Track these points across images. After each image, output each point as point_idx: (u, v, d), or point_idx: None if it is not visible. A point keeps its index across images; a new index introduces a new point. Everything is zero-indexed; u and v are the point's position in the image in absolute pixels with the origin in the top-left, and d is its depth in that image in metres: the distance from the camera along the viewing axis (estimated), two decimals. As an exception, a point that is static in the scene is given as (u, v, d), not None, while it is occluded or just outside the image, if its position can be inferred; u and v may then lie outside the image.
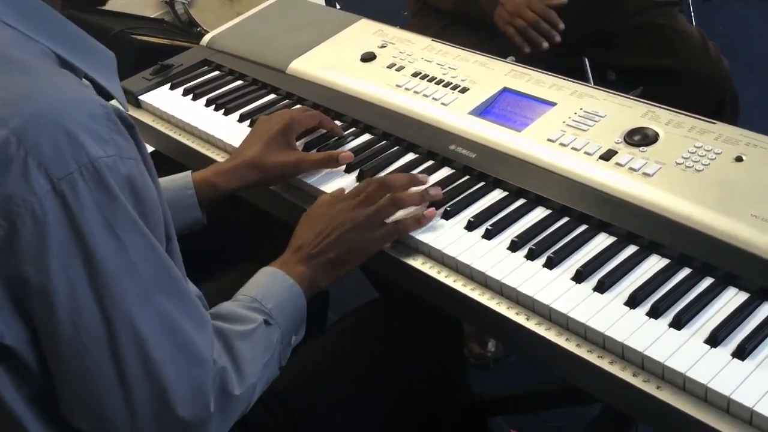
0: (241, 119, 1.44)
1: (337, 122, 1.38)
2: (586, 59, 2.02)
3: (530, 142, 1.21)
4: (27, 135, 0.77)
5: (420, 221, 1.11)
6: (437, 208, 1.14)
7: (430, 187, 1.16)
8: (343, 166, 1.27)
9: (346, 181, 1.24)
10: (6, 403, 0.83)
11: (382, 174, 1.24)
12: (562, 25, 1.72)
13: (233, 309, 1.00)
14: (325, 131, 1.35)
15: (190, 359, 0.86)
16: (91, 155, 0.79)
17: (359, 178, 1.24)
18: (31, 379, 0.83)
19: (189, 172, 1.26)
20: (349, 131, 1.36)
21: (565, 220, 1.10)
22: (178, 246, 0.94)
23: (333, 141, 1.34)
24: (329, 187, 1.23)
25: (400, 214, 1.12)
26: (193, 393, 0.86)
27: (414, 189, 1.16)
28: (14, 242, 0.77)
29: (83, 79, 0.92)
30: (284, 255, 1.10)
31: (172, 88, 1.56)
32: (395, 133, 1.31)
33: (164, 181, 1.24)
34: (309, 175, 1.27)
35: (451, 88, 1.35)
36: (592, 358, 0.92)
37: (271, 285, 1.05)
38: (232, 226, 1.44)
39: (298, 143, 1.32)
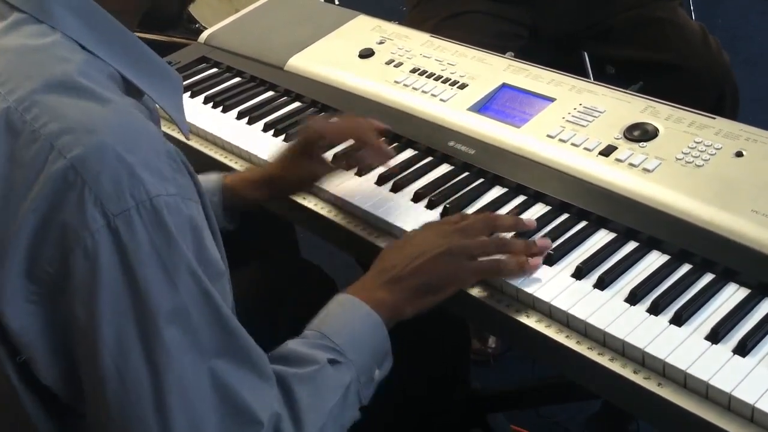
0: (239, 116, 1.44)
1: (335, 119, 1.38)
2: (585, 54, 2.02)
3: (529, 138, 1.21)
4: (86, 166, 0.73)
5: (524, 267, 1.00)
6: (437, 205, 1.14)
7: (538, 239, 1.05)
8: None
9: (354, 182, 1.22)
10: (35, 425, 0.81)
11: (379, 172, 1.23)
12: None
13: (297, 349, 0.90)
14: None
15: (242, 423, 0.79)
16: (151, 192, 0.74)
17: (358, 175, 1.24)
18: (65, 412, 0.81)
19: (221, 177, 1.22)
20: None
21: (564, 216, 1.10)
22: (229, 280, 0.87)
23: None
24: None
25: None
26: None
27: (519, 241, 1.04)
28: (66, 278, 0.74)
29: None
30: (365, 277, 1.00)
31: (170, 85, 1.56)
32: (394, 130, 1.30)
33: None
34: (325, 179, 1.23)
35: (450, 84, 1.35)
36: (593, 355, 0.92)
37: (343, 316, 0.95)
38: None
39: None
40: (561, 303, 0.96)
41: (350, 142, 1.23)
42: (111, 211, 0.73)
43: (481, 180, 1.18)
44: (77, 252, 0.73)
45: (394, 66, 1.43)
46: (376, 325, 0.95)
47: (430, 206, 1.14)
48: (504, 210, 1.12)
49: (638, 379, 0.88)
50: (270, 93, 1.50)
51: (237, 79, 1.56)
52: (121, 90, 0.84)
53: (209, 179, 1.21)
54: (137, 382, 0.75)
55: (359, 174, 1.23)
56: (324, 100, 1.42)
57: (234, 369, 0.79)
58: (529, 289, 0.98)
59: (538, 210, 1.11)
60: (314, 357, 0.89)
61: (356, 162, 1.21)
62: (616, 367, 0.90)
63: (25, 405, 0.80)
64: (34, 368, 0.77)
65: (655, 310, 0.93)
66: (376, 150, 1.19)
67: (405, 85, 1.37)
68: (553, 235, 1.06)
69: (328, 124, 1.23)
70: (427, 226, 1.06)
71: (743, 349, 0.87)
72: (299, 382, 0.86)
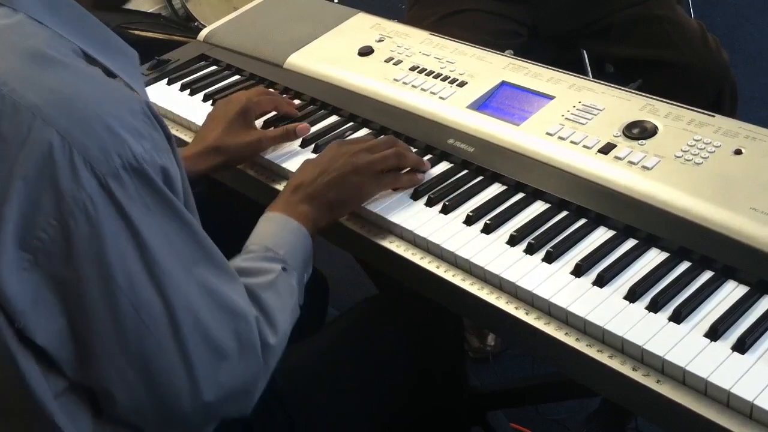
0: (239, 114, 1.43)
1: (334, 117, 1.38)
2: (585, 52, 2.02)
3: (529, 136, 1.21)
4: (71, 134, 0.79)
5: (413, 179, 1.17)
6: (437, 202, 1.14)
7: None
8: (300, 141, 1.31)
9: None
10: (38, 401, 0.84)
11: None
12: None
13: (250, 263, 1.02)
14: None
15: (235, 316, 0.90)
16: (134, 150, 0.82)
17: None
18: (60, 374, 0.84)
19: None
20: (346, 126, 1.35)
21: (564, 213, 1.10)
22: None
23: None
24: (290, 164, 1.27)
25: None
26: (245, 347, 0.90)
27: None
28: (69, 241, 0.79)
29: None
30: (283, 195, 1.13)
31: (169, 83, 1.56)
32: (393, 128, 1.31)
33: None
34: (269, 151, 1.31)
35: (449, 82, 1.35)
36: (592, 352, 0.92)
37: (279, 231, 1.07)
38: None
39: (258, 122, 1.36)
40: (560, 300, 0.96)
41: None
42: (101, 172, 0.80)
43: (480, 177, 1.19)
44: (77, 214, 0.79)
45: (394, 64, 1.43)
46: (305, 236, 1.08)
47: (429, 204, 1.15)
48: (502, 208, 1.12)
49: (637, 376, 0.88)
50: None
51: (236, 77, 1.56)
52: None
53: None
54: (152, 314, 0.84)
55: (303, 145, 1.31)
56: (323, 98, 1.42)
57: (213, 273, 0.89)
58: (528, 287, 0.98)
59: (538, 207, 1.11)
60: (268, 267, 1.01)
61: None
62: (615, 364, 0.90)
63: (23, 368, 0.83)
64: (31, 334, 0.81)
65: (654, 307, 0.93)
66: (292, 114, 1.38)
67: (404, 83, 1.37)
68: (553, 232, 1.06)
69: (254, 94, 1.35)
70: (337, 145, 1.19)
71: (742, 346, 0.87)
72: (264, 289, 0.97)
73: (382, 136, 1.22)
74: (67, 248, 0.80)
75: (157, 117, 0.88)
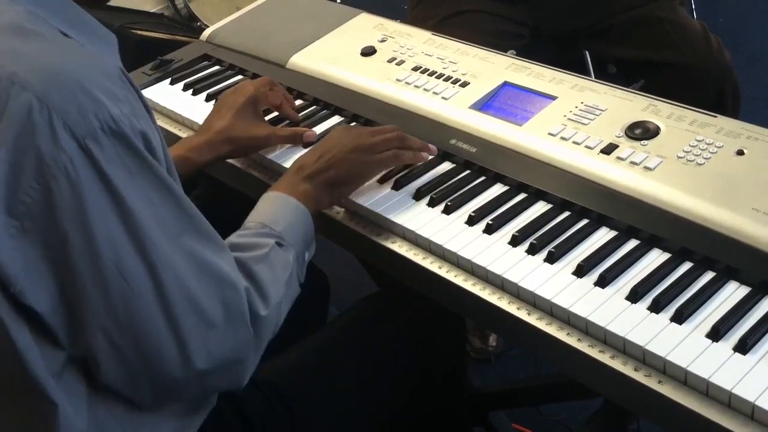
0: (241, 114, 1.43)
1: (337, 117, 1.38)
2: (587, 53, 2.02)
3: (531, 137, 1.21)
4: (49, 97, 0.80)
5: (417, 157, 1.19)
6: (439, 203, 1.14)
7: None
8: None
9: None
10: (34, 378, 0.84)
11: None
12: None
13: (243, 239, 1.03)
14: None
15: (223, 284, 0.90)
16: (111, 112, 0.82)
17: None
18: (54, 343, 0.85)
19: None
20: (352, 125, 1.35)
21: (566, 214, 1.10)
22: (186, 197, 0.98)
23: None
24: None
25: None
26: (233, 315, 0.91)
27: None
28: (51, 203, 0.80)
29: None
30: (286, 176, 1.14)
31: (172, 83, 1.56)
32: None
33: None
34: (272, 151, 1.31)
35: (452, 83, 1.35)
36: (594, 352, 0.92)
37: (276, 209, 1.08)
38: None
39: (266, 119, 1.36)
40: (562, 301, 0.96)
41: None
42: (80, 134, 0.80)
43: (482, 178, 1.19)
44: (58, 176, 0.80)
45: (396, 64, 1.43)
46: (304, 214, 1.09)
47: (432, 204, 1.15)
48: (504, 208, 1.12)
49: (639, 376, 0.88)
50: (272, 91, 1.50)
51: (239, 77, 1.56)
52: None
53: None
54: (136, 275, 0.84)
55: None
56: (326, 98, 1.42)
57: (200, 242, 0.90)
58: (530, 287, 0.98)
59: (540, 208, 1.12)
60: (263, 242, 1.02)
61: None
62: (616, 364, 0.90)
63: (15, 338, 0.83)
64: (26, 299, 0.82)
65: (655, 307, 0.93)
66: (293, 118, 1.38)
67: (407, 83, 1.38)
68: (555, 233, 1.06)
69: (262, 85, 1.35)
70: (340, 128, 1.21)
71: (744, 347, 0.87)
72: (256, 262, 0.98)
73: (386, 125, 1.23)
74: (50, 211, 0.80)
75: (133, 84, 0.89)
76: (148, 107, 0.92)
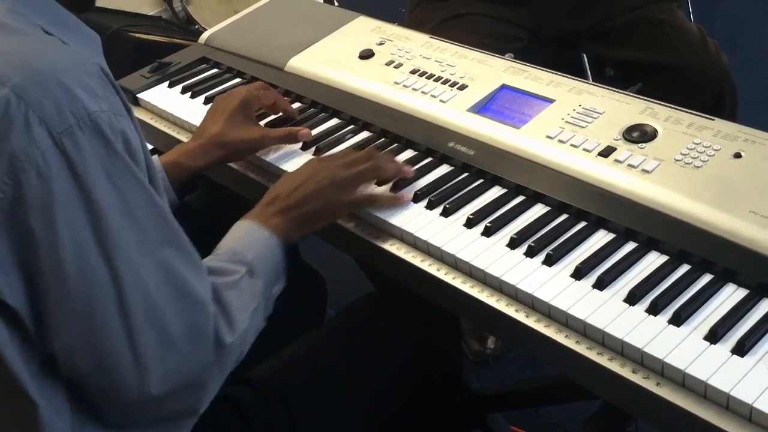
0: (240, 117, 1.43)
1: (335, 119, 1.38)
2: (585, 55, 2.02)
3: (529, 139, 1.21)
4: (26, 92, 0.80)
5: (393, 201, 1.15)
6: (437, 205, 1.14)
7: (405, 166, 1.19)
8: (301, 144, 1.31)
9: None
10: (16, 377, 0.84)
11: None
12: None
13: (216, 263, 1.01)
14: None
15: (191, 304, 0.89)
16: (89, 109, 0.82)
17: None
18: (30, 341, 0.85)
19: (156, 156, 1.28)
20: (347, 128, 1.36)
21: (564, 217, 1.10)
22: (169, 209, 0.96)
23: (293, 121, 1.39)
24: (290, 166, 1.27)
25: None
26: (197, 338, 0.89)
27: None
28: (20, 198, 0.80)
29: None
30: (258, 206, 1.12)
31: (170, 86, 1.56)
32: (393, 131, 1.31)
33: None
34: (270, 153, 1.31)
35: (450, 85, 1.35)
36: (592, 355, 0.92)
37: (248, 238, 1.06)
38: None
39: (261, 123, 1.36)
40: (560, 303, 0.96)
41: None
42: (56, 130, 0.80)
43: (480, 180, 1.19)
44: (29, 171, 0.80)
45: (394, 67, 1.43)
46: (275, 246, 1.07)
47: (430, 206, 1.15)
48: (502, 211, 1.12)
49: (637, 378, 0.89)
50: (270, 94, 1.50)
51: (237, 80, 1.56)
52: None
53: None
54: (98, 281, 0.83)
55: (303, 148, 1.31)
56: (324, 101, 1.42)
57: (178, 256, 0.88)
58: (528, 289, 0.98)
59: (538, 210, 1.12)
60: (234, 269, 1.01)
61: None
62: (615, 366, 0.90)
63: (18, 373, 0.83)
64: (1, 294, 0.81)
65: (653, 310, 0.93)
66: (291, 114, 1.38)
67: (405, 86, 1.38)
68: (553, 235, 1.06)
69: (254, 89, 1.34)
70: (316, 160, 1.19)
71: (742, 349, 0.87)
72: (226, 288, 0.96)
73: (364, 150, 1.20)
74: (19, 205, 0.80)
75: (113, 83, 0.88)
76: (130, 109, 0.91)
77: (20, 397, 0.85)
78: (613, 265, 1.00)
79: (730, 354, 0.87)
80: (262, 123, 1.37)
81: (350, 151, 1.24)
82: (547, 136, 1.20)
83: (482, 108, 1.30)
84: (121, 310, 0.84)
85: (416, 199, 1.17)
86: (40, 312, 0.84)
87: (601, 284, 0.98)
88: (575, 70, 1.91)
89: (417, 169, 1.23)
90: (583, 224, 1.08)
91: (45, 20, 0.90)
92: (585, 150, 1.16)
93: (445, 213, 1.13)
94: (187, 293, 0.88)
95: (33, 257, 0.82)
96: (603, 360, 0.91)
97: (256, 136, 1.29)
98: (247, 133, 1.29)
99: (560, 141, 1.19)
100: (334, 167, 1.14)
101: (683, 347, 0.88)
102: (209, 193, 1.50)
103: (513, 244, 1.06)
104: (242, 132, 1.29)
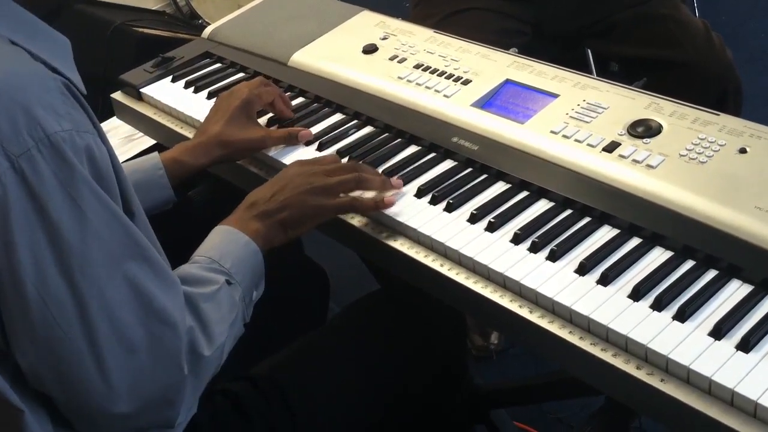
0: (243, 112, 1.43)
1: (339, 114, 1.38)
2: (589, 51, 2.02)
3: (533, 134, 1.21)
4: None
5: (378, 205, 1.12)
6: (441, 201, 1.14)
7: (394, 178, 1.17)
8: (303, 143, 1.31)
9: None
10: None
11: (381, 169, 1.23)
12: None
13: (194, 272, 1.00)
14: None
15: (161, 323, 0.87)
16: (47, 130, 0.80)
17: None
18: (6, 360, 0.84)
19: (156, 153, 1.28)
20: (350, 123, 1.35)
21: (568, 212, 1.10)
22: (146, 220, 0.95)
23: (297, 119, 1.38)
24: (291, 160, 1.27)
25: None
26: (166, 356, 0.88)
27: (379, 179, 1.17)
28: None
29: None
30: (237, 211, 1.11)
31: (173, 80, 1.56)
32: (397, 126, 1.31)
33: (134, 163, 1.27)
34: (272, 148, 1.31)
35: (454, 80, 1.35)
36: (596, 350, 0.92)
37: (227, 244, 1.05)
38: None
39: (261, 120, 1.35)
40: (564, 299, 0.96)
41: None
42: (13, 153, 0.78)
43: (484, 176, 1.18)
44: None
45: (398, 62, 1.43)
46: (254, 252, 1.06)
47: (434, 202, 1.14)
48: (506, 206, 1.12)
49: (641, 374, 0.88)
50: (273, 88, 1.50)
51: (240, 75, 1.56)
52: None
53: (147, 158, 1.27)
54: (61, 303, 0.81)
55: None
56: (327, 96, 1.42)
57: (145, 273, 0.86)
58: (532, 285, 0.98)
59: (542, 206, 1.11)
60: (212, 278, 0.99)
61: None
62: (618, 362, 0.90)
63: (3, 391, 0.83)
64: None
65: (658, 305, 0.93)
66: (287, 115, 1.36)
67: (408, 81, 1.37)
68: (557, 231, 1.06)
69: (255, 86, 1.33)
70: (297, 164, 1.17)
71: (746, 345, 0.87)
72: (204, 300, 0.95)
73: (346, 161, 1.19)
74: None
75: (78, 98, 0.86)
76: (95, 122, 0.89)
77: (4, 405, 0.85)
78: (617, 260, 1.00)
79: (735, 350, 0.87)
80: (263, 119, 1.37)
81: (333, 156, 1.23)
82: (552, 131, 1.20)
83: (486, 103, 1.30)
84: (85, 331, 0.82)
85: (420, 194, 1.16)
86: (3, 332, 0.83)
87: (605, 280, 0.97)
88: (579, 66, 1.91)
89: (421, 164, 1.23)
90: (587, 220, 1.08)
91: (9, 28, 0.88)
92: (589, 145, 1.16)
93: (449, 208, 1.13)
94: (156, 310, 0.87)
95: None
96: (607, 356, 0.91)
97: (257, 137, 1.29)
98: (248, 134, 1.28)
99: (564, 136, 1.18)
100: (313, 174, 1.13)
101: (688, 343, 0.88)
102: (211, 188, 1.50)
103: (517, 239, 1.06)
104: (243, 132, 1.28)
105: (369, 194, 1.14)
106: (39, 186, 0.79)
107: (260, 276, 1.07)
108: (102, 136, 0.88)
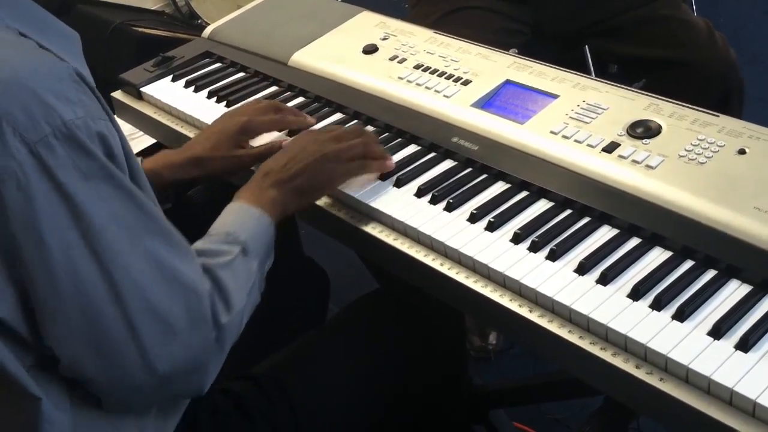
0: (243, 111, 1.43)
1: (339, 114, 1.38)
2: (588, 51, 2.02)
3: (533, 135, 1.21)
4: None
5: (381, 167, 1.19)
6: (441, 200, 1.14)
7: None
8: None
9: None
10: (10, 374, 0.84)
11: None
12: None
13: (210, 245, 1.02)
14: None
15: (184, 289, 0.89)
16: (64, 117, 0.82)
17: None
18: (22, 341, 0.85)
19: (140, 159, 1.27)
20: (351, 124, 1.36)
21: (567, 212, 1.10)
22: (156, 199, 0.97)
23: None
24: None
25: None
26: (195, 320, 0.90)
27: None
28: (2, 211, 0.80)
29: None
30: (252, 180, 1.13)
31: (173, 80, 1.56)
32: (397, 126, 1.31)
33: None
34: None
35: (454, 81, 1.35)
36: (595, 350, 0.92)
37: (241, 218, 1.07)
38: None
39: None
40: (564, 298, 0.96)
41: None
42: (31, 140, 0.80)
43: (484, 176, 1.19)
44: (9, 183, 0.80)
45: (398, 62, 1.43)
46: (267, 224, 1.08)
47: (433, 201, 1.15)
48: (506, 206, 1.12)
49: (640, 374, 0.88)
50: (274, 88, 1.50)
51: (240, 75, 1.56)
52: None
53: None
54: (91, 284, 0.83)
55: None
56: (327, 96, 1.42)
57: (164, 246, 0.89)
58: (532, 284, 0.98)
59: (542, 206, 1.12)
60: (228, 249, 1.01)
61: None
62: (618, 362, 0.90)
63: (20, 378, 0.84)
64: None
65: (657, 305, 0.93)
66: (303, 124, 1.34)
67: (408, 81, 1.38)
68: (556, 230, 1.06)
69: (258, 113, 1.31)
70: (305, 134, 1.22)
71: (745, 345, 0.87)
72: (221, 268, 0.97)
73: (351, 124, 1.25)
74: (2, 217, 0.80)
75: (89, 85, 0.88)
76: (107, 108, 0.90)
77: (20, 393, 0.86)
78: (617, 260, 1.00)
79: (734, 350, 0.87)
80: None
81: (338, 125, 1.27)
82: (551, 132, 1.20)
83: (486, 103, 1.30)
84: (118, 308, 0.85)
85: (420, 193, 1.17)
86: (33, 320, 0.84)
87: (604, 280, 0.98)
88: (579, 67, 1.91)
89: (421, 164, 1.23)
90: (587, 220, 1.08)
91: (20, 22, 0.90)
92: (589, 146, 1.16)
93: (449, 208, 1.13)
94: (179, 279, 0.89)
95: (21, 268, 0.82)
96: (606, 355, 0.91)
97: (235, 156, 1.27)
98: (227, 154, 1.27)
99: (564, 136, 1.19)
100: (324, 140, 1.17)
101: (687, 343, 0.88)
102: (211, 188, 1.50)
103: (517, 239, 1.06)
104: (223, 153, 1.27)
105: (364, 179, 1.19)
106: (59, 170, 0.81)
107: (271, 247, 1.09)
108: (113, 122, 0.90)
